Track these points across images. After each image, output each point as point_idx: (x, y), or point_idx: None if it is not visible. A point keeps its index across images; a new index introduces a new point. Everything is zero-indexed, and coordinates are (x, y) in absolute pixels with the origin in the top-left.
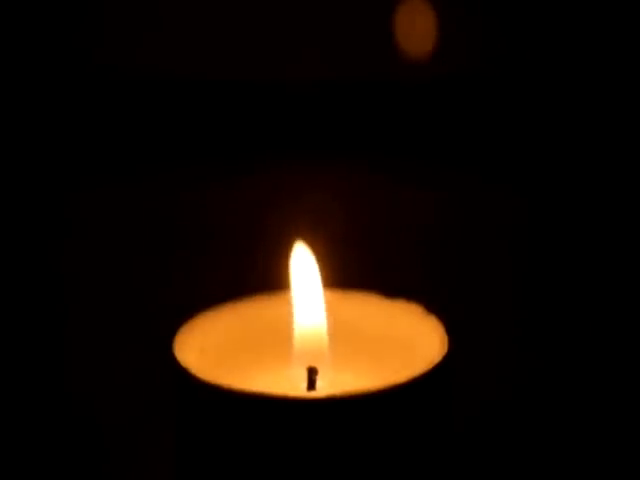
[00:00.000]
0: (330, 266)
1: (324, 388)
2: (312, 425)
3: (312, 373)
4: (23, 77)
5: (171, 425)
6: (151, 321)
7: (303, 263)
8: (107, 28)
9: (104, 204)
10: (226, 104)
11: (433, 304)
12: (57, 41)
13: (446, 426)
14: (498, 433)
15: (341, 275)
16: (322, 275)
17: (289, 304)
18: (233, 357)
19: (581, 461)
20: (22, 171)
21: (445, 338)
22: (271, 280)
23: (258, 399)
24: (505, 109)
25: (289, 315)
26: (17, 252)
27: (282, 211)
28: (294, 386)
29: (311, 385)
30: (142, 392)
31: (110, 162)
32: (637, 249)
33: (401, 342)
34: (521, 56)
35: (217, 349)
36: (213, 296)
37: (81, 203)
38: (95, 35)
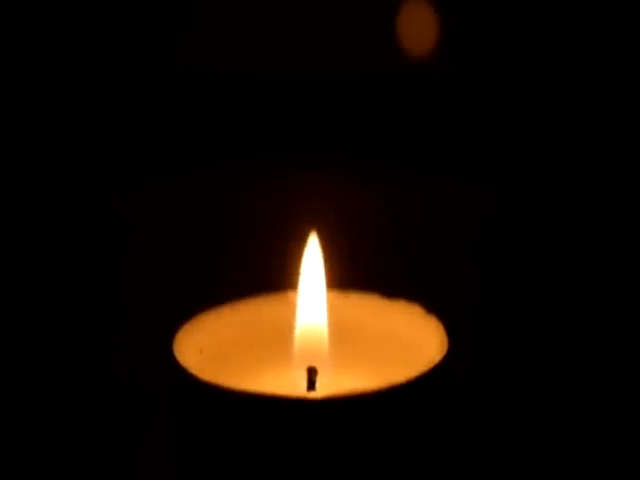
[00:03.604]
0: (330, 266)
1: (324, 388)
2: (312, 425)
3: (312, 373)
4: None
5: (171, 425)
6: (151, 321)
7: (312, 262)
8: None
9: (105, 205)
10: (233, 103)
11: (432, 304)
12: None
13: (446, 426)
14: (498, 433)
15: (341, 275)
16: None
17: (289, 304)
18: (233, 357)
19: (581, 461)
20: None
21: (445, 338)
22: (271, 281)
23: (258, 399)
24: (496, 108)
25: (289, 315)
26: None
27: (282, 213)
28: (294, 386)
29: (311, 385)
30: (142, 392)
31: (117, 164)
32: (630, 245)
33: (401, 342)
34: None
35: (217, 349)
36: (214, 296)
37: (84, 200)
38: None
